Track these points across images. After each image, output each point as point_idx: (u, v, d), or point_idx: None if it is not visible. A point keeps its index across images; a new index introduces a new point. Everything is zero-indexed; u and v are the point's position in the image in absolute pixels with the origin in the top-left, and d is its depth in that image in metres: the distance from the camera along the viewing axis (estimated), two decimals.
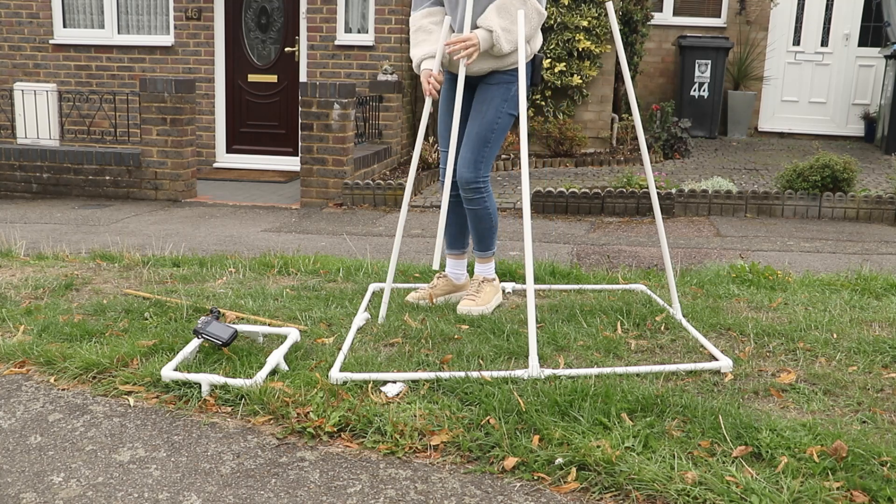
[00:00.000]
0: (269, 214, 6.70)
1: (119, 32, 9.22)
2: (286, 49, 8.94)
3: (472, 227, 3.56)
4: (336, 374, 2.70)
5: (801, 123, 10.68)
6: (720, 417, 2.37)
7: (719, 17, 10.57)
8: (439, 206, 6.74)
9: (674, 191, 6.60)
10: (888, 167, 8.25)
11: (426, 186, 7.33)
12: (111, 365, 2.83)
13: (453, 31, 3.39)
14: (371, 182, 7.02)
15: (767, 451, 2.20)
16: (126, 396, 2.67)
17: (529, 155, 8.59)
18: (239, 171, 9.03)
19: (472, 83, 3.44)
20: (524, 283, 3.87)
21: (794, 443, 2.23)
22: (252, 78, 9.07)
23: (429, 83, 3.32)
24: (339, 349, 2.96)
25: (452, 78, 3.47)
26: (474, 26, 3.27)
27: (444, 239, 3.44)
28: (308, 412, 2.48)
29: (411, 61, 3.48)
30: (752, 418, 2.38)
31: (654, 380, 2.72)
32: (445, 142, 3.51)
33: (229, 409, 2.58)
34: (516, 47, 3.24)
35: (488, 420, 2.40)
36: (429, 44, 3.40)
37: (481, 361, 2.85)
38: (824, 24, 10.47)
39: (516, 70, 3.34)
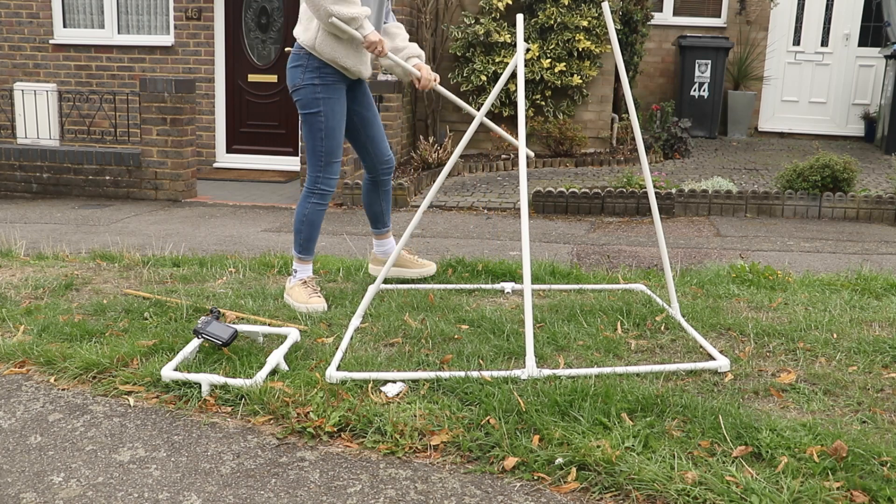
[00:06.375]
0: (269, 214, 6.70)
1: (119, 32, 9.22)
2: (286, 49, 8.94)
3: (388, 205, 3.99)
4: (332, 374, 2.70)
5: (801, 123, 10.68)
6: (720, 417, 2.37)
7: (719, 17, 10.57)
8: (441, 206, 6.74)
9: (674, 191, 6.60)
10: (888, 167, 8.25)
11: (426, 186, 7.33)
12: (111, 365, 2.83)
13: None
14: None
15: (767, 451, 2.20)
16: (126, 396, 2.67)
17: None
18: (239, 171, 9.03)
19: (354, 86, 3.71)
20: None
21: (794, 443, 2.23)
22: (252, 78, 9.07)
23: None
24: (339, 349, 2.96)
25: (344, 82, 3.61)
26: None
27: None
28: (308, 412, 2.48)
29: None
30: (752, 418, 2.38)
31: (654, 380, 2.72)
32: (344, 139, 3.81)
33: (229, 409, 2.58)
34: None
35: (488, 420, 2.40)
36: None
37: (481, 361, 2.86)
38: (824, 24, 10.47)
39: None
